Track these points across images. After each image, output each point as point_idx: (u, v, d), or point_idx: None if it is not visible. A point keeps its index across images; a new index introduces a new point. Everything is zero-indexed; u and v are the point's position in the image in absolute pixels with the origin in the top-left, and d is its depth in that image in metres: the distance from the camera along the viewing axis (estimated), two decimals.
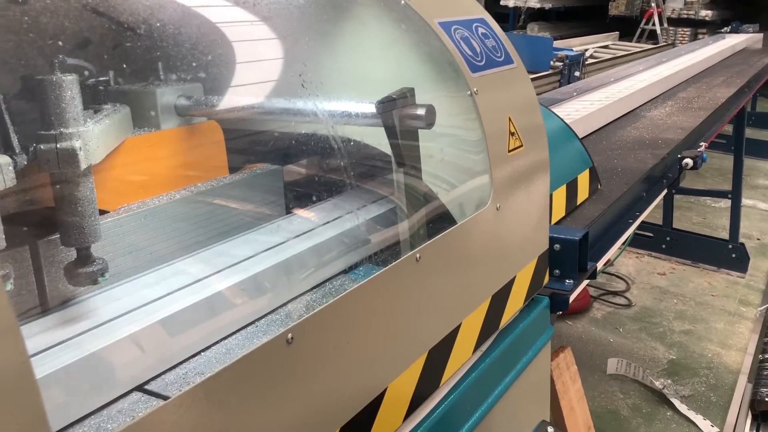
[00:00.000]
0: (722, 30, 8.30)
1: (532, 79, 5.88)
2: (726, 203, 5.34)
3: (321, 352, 0.76)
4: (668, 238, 5.25)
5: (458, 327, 1.05)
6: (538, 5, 12.90)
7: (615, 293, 4.66)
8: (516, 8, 13.41)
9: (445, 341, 1.02)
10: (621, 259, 5.19)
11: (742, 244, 5.02)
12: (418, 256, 0.93)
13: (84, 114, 1.12)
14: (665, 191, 2.59)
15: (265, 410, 0.70)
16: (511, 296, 1.21)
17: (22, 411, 0.47)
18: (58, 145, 1.04)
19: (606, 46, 8.96)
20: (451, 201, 1.14)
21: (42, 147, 1.04)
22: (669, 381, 3.70)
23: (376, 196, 1.19)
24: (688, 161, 2.57)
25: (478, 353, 1.16)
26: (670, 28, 12.11)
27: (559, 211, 1.82)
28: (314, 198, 1.36)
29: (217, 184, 1.48)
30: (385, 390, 0.89)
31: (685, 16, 12.08)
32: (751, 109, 9.13)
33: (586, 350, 4.03)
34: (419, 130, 1.01)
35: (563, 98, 3.35)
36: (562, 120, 2.16)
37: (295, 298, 1.00)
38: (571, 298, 1.48)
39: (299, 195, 1.42)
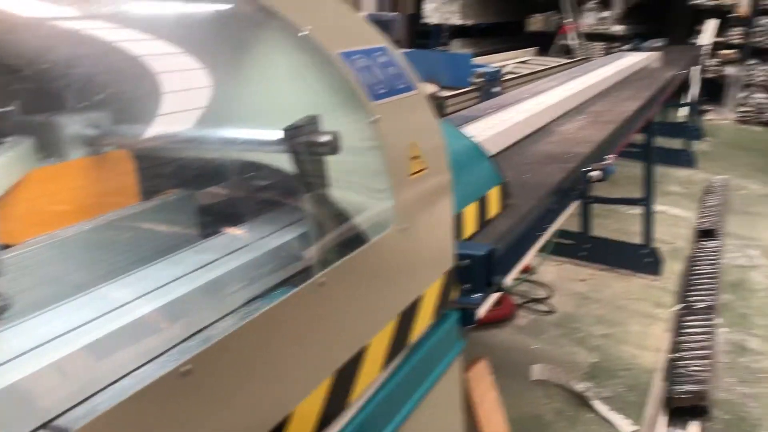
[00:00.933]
0: (623, 48, 8.74)
1: (453, 96, 6.03)
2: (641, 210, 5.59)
3: (220, 383, 0.78)
4: (587, 245, 5.46)
5: (366, 347, 1.09)
6: (459, 22, 13.20)
7: (538, 300, 4.81)
8: (438, 26, 13.68)
9: (352, 362, 1.06)
10: (543, 267, 5.35)
11: (655, 248, 5.27)
12: (322, 280, 0.97)
13: None
14: (575, 203, 2.70)
15: None
16: (419, 313, 1.26)
17: None
18: None
19: (524, 61, 9.24)
20: (356, 224, 1.18)
21: None
22: (590, 384, 3.84)
23: (285, 221, 1.22)
24: (595, 173, 2.70)
25: (388, 370, 1.20)
26: (586, 42, 12.63)
27: (471, 226, 1.88)
28: (224, 225, 1.38)
29: (127, 212, 1.48)
30: (291, 413, 0.92)
31: (599, 31, 12.62)
32: (662, 118, 9.62)
33: (511, 358, 4.14)
34: (325, 157, 1.05)
35: (479, 115, 3.46)
36: (471, 139, 2.24)
37: (198, 332, 1.02)
38: (481, 311, 1.54)
39: (210, 222, 1.43)
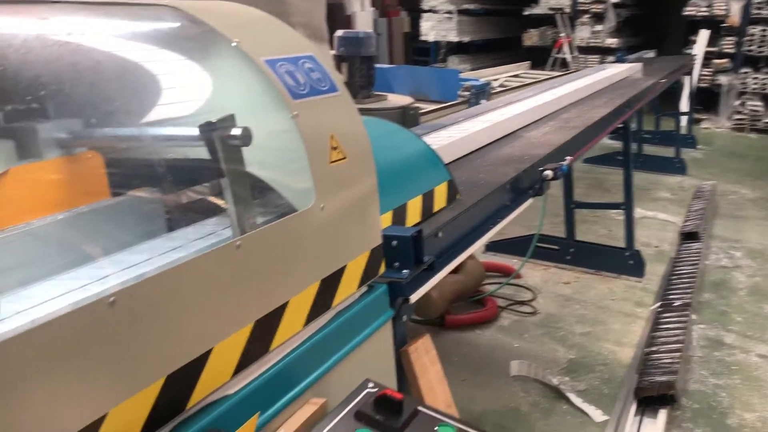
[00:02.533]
0: (607, 59, 8.97)
1: (441, 108, 6.26)
2: None
3: (141, 314, 0.99)
4: (572, 250, 5.63)
5: (286, 304, 1.30)
6: (456, 39, 13.52)
7: (522, 303, 4.98)
8: (437, 42, 14.00)
9: (272, 314, 1.26)
10: (529, 271, 5.53)
11: (638, 251, 5.42)
12: (238, 243, 1.18)
13: None
14: (530, 200, 2.90)
15: (90, 361, 0.92)
16: (342, 281, 1.47)
17: None
18: None
19: (516, 75, 9.48)
20: (276, 201, 1.39)
21: None
22: (566, 378, 4.01)
23: (215, 203, 1.45)
24: (548, 173, 2.90)
25: (313, 328, 1.40)
26: (580, 55, 12.86)
27: (415, 217, 2.09)
28: (184, 214, 1.60)
29: (97, 206, 1.70)
30: (211, 350, 1.13)
31: (593, 44, 12.85)
32: (656, 128, 9.80)
33: (493, 356, 4.31)
34: (245, 148, 1.27)
35: (449, 123, 3.68)
36: (424, 143, 2.45)
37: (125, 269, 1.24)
38: (413, 291, 1.75)
39: (174, 213, 1.66)
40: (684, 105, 10.06)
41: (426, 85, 6.60)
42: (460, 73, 7.06)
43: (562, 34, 12.87)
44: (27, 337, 0.84)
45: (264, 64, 1.36)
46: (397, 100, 3.79)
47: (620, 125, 4.90)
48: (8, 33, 1.42)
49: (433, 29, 13.76)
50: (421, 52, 14.62)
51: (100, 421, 0.94)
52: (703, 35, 11.74)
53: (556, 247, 5.67)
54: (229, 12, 1.48)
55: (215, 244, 1.45)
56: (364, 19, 10.20)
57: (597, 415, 3.64)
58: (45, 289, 1.43)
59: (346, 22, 9.91)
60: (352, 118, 1.54)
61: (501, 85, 8.53)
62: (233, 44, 1.36)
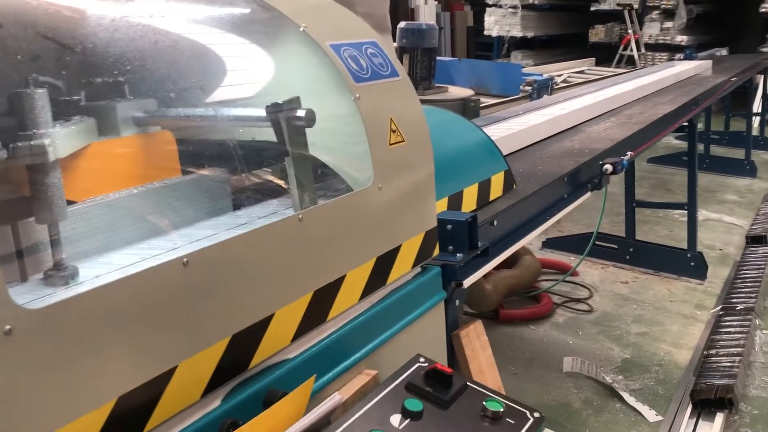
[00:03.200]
0: (676, 57, 8.72)
1: (501, 102, 6.23)
2: None
3: (211, 276, 1.06)
4: (631, 249, 5.53)
5: (343, 277, 1.36)
6: (520, 34, 13.38)
7: (578, 300, 4.93)
8: (500, 38, 13.89)
9: (330, 286, 1.33)
10: (586, 269, 5.47)
11: (700, 253, 5.30)
12: (300, 216, 1.24)
13: (54, 121, 1.44)
14: (588, 194, 2.89)
15: (164, 316, 1.00)
16: (397, 260, 1.52)
17: None
18: (31, 143, 1.35)
19: (581, 71, 9.33)
20: (338, 180, 1.46)
21: (19, 144, 1.35)
22: (620, 377, 3.96)
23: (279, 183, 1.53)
24: (608, 167, 2.88)
25: (368, 303, 1.46)
26: (648, 53, 12.54)
27: (470, 204, 2.13)
28: (250, 193, 1.69)
29: (169, 182, 1.80)
30: (273, 314, 1.20)
31: (662, 41, 12.51)
32: (725, 129, 9.50)
33: (546, 351, 4.29)
34: (308, 128, 1.34)
35: (509, 116, 3.69)
36: (483, 132, 2.48)
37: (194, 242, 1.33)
38: (466, 276, 1.80)
39: (240, 192, 1.74)
40: (757, 105, 9.70)
41: (487, 78, 6.59)
42: (523, 67, 7.02)
43: (630, 31, 12.57)
44: (111, 288, 0.92)
45: (329, 48, 1.43)
46: (458, 92, 3.82)
47: (685, 123, 4.80)
48: (96, 13, 1.52)
49: (496, 24, 13.66)
50: (484, 47, 14.54)
51: (171, 372, 1.01)
52: None
53: (614, 246, 5.58)
54: None
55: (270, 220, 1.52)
56: (427, 12, 10.20)
57: (651, 415, 3.60)
58: (120, 257, 1.53)
59: (410, 15, 9.94)
60: (412, 104, 1.59)
61: (564, 81, 8.42)
62: (301, 29, 1.43)
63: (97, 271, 1.43)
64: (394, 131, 1.48)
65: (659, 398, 3.77)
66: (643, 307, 4.87)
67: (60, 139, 1.43)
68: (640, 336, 4.47)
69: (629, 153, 3.20)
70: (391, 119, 1.49)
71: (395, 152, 1.49)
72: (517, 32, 13.41)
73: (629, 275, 5.44)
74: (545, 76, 7.30)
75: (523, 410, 1.33)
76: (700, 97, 4.99)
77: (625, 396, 3.73)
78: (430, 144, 1.62)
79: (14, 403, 0.81)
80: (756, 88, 9.42)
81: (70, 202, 1.58)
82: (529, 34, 13.62)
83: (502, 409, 1.29)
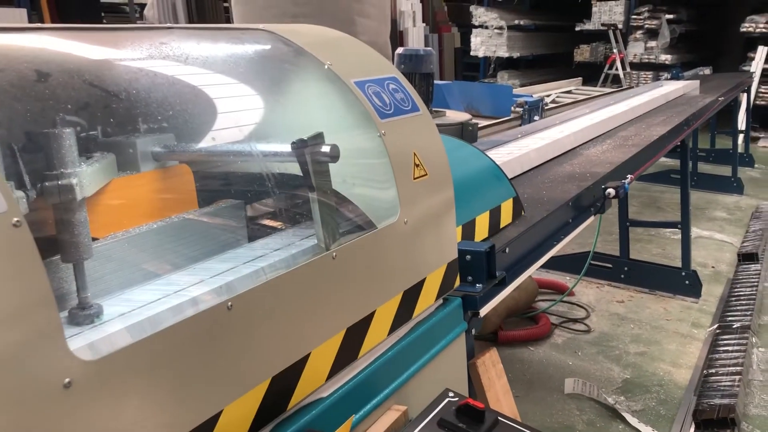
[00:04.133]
0: (662, 76, 8.87)
1: (494, 124, 6.28)
2: None
3: (254, 318, 1.07)
4: (626, 268, 5.58)
5: (373, 313, 1.37)
6: (506, 54, 13.54)
7: (575, 320, 4.95)
8: (486, 58, 14.04)
9: (361, 322, 1.33)
10: (582, 289, 5.50)
11: (694, 271, 5.35)
12: (334, 254, 1.25)
13: (79, 159, 1.44)
14: (592, 218, 2.92)
15: (210, 360, 1.00)
16: (422, 293, 1.53)
17: None
18: (59, 182, 1.35)
19: (569, 91, 9.44)
20: (365, 215, 1.46)
21: (47, 184, 1.35)
22: (622, 398, 3.98)
23: (306, 217, 1.53)
24: (611, 191, 2.92)
25: (395, 337, 1.46)
26: (633, 72, 12.73)
27: (483, 233, 2.14)
28: (264, 225, 1.69)
29: (188, 216, 1.80)
30: (310, 354, 1.20)
31: (646, 60, 12.71)
32: (711, 146, 9.64)
33: (547, 373, 4.30)
34: (332, 164, 1.35)
35: (509, 140, 3.72)
36: (490, 158, 2.50)
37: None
38: (484, 305, 1.80)
39: (256, 224, 1.74)
40: (741, 123, 9.86)
41: (479, 100, 6.65)
42: (513, 89, 7.09)
43: (615, 50, 12.76)
44: (160, 336, 0.92)
45: (354, 86, 1.44)
46: (455, 116, 3.85)
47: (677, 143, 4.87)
48: (113, 49, 1.53)
49: (483, 45, 13.82)
50: (470, 68, 14.68)
51: (216, 417, 1.01)
52: (762, 51, 11.51)
53: (609, 265, 5.63)
54: (318, 35, 1.56)
55: (297, 254, 1.53)
56: (416, 34, 10.29)
57: None
58: (142, 293, 1.52)
59: (398, 38, 10.03)
60: (433, 137, 1.61)
61: (553, 101, 8.50)
62: (326, 66, 1.44)
63: (120, 309, 1.42)
64: (417, 165, 1.50)
65: (661, 419, 3.79)
66: (641, 327, 4.91)
67: (86, 177, 1.43)
68: (639, 356, 4.50)
69: (629, 176, 3.24)
70: (415, 153, 1.50)
71: (419, 186, 1.50)
72: (503, 52, 13.56)
73: (625, 294, 5.48)
74: (535, 97, 7.38)
75: None
76: (691, 118, 5.07)
77: (628, 417, 3.74)
78: (450, 176, 1.63)
79: None
80: (739, 106, 9.58)
81: (92, 239, 1.57)
82: (515, 54, 13.78)
83: None
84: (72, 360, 0.81)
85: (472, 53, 14.18)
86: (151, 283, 1.58)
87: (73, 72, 1.50)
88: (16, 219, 0.79)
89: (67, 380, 0.79)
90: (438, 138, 1.62)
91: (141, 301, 1.45)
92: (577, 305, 5.21)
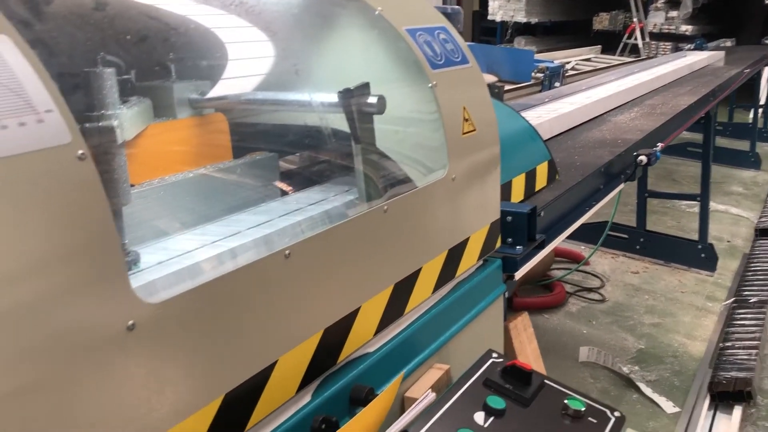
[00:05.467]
0: (686, 47, 8.69)
1: (515, 89, 6.19)
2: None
3: (310, 268, 1.03)
4: (642, 240, 5.53)
5: (420, 270, 1.33)
6: (524, 20, 13.28)
7: (590, 290, 4.93)
8: (503, 23, 13.79)
9: (408, 278, 1.29)
10: (597, 259, 5.46)
11: (711, 245, 5.30)
12: (385, 208, 1.21)
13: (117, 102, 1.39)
14: (622, 185, 2.87)
15: (266, 308, 0.97)
16: (465, 252, 1.49)
17: None
18: (100, 124, 1.30)
19: (588, 59, 9.28)
20: (414, 170, 1.42)
21: (87, 125, 1.30)
22: (636, 367, 3.97)
23: (345, 171, 1.48)
24: (643, 158, 2.86)
25: (438, 296, 1.43)
26: (652, 42, 12.49)
27: (518, 195, 2.09)
28: (305, 177, 1.64)
29: (222, 166, 1.75)
30: (360, 308, 1.16)
31: (666, 30, 12.46)
32: (729, 120, 9.50)
33: (561, 341, 4.29)
34: (380, 115, 1.30)
35: (536, 103, 3.65)
36: (526, 120, 2.44)
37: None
38: (522, 267, 1.76)
39: (292, 175, 1.70)
40: (763, 97, 9.69)
41: (499, 64, 6.53)
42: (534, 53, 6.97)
43: (635, 19, 12.51)
44: (220, 282, 0.89)
45: (405, 33, 1.38)
46: None
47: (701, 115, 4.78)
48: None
49: (501, 9, 13.55)
50: (487, 32, 14.44)
51: (272, 367, 0.98)
52: None
53: (625, 236, 5.58)
54: None
55: (341, 207, 1.48)
56: None
57: (668, 406, 3.60)
58: (178, 242, 1.48)
59: None
60: (482, 91, 1.55)
61: (573, 68, 8.36)
62: (376, 12, 1.38)
63: (157, 257, 1.39)
64: (466, 120, 1.45)
65: (675, 390, 3.78)
66: (655, 298, 4.88)
67: (125, 120, 1.39)
68: (654, 327, 4.48)
69: (659, 144, 3.18)
70: (464, 108, 1.45)
71: (468, 142, 1.45)
72: (521, 17, 13.30)
73: (640, 265, 5.44)
74: (556, 63, 7.25)
75: (604, 409, 1.31)
76: (717, 89, 4.97)
77: (642, 387, 3.73)
78: (497, 133, 1.58)
79: (132, 398, 0.77)
80: (760, 80, 9.41)
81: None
82: (533, 20, 13.52)
83: (583, 408, 1.27)
84: (135, 302, 0.77)
85: (489, 17, 13.92)
86: (188, 232, 1.54)
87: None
88: (80, 151, 0.75)
89: (130, 322, 0.76)
90: (487, 93, 1.57)
91: (178, 250, 1.42)
92: (592, 275, 5.18)
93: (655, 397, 3.66)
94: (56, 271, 0.69)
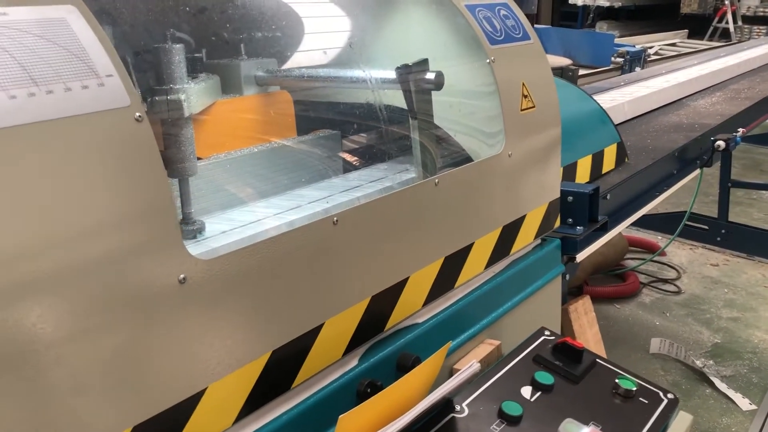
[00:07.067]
0: None
1: (592, 73, 6.03)
2: None
3: (358, 236, 1.06)
4: (723, 231, 5.28)
5: (472, 245, 1.34)
6: (607, 4, 12.87)
7: (665, 281, 4.78)
8: (585, 7, 13.41)
9: (459, 253, 1.31)
10: (675, 250, 5.28)
11: None
12: (436, 181, 1.22)
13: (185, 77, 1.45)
14: (698, 170, 2.77)
15: (314, 272, 1.00)
16: (521, 230, 1.48)
17: None
18: (168, 97, 1.37)
19: (673, 44, 8.93)
20: (470, 145, 1.42)
21: (156, 98, 1.37)
22: (711, 362, 3.83)
23: (404, 151, 1.50)
24: (720, 143, 2.75)
25: (491, 272, 1.43)
26: (745, 26, 11.87)
27: (584, 176, 2.06)
28: (367, 154, 1.68)
29: (286, 143, 1.80)
30: (408, 278, 1.18)
31: (761, 13, 11.81)
32: None
33: (632, 331, 4.18)
34: (438, 91, 1.31)
35: (611, 87, 3.55)
36: (596, 102, 2.39)
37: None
38: (582, 250, 1.74)
39: (354, 152, 1.73)
40: None
41: (577, 47, 6.37)
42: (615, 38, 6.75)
43: (727, 1, 11.91)
44: (270, 243, 0.93)
45: (465, 9, 1.38)
46: (554, 60, 3.70)
47: None
48: None
49: None
50: (567, 17, 14.07)
51: (319, 328, 1.02)
52: None
53: (705, 227, 5.35)
54: None
55: (396, 184, 1.50)
56: None
57: (744, 403, 3.46)
58: (242, 214, 1.54)
59: None
60: (543, 68, 1.53)
61: (656, 53, 8.06)
62: None
63: (222, 227, 1.45)
64: (525, 97, 1.44)
65: (753, 387, 3.62)
66: (735, 291, 4.68)
67: (193, 94, 1.45)
68: (732, 321, 4.30)
69: (741, 129, 3.04)
70: (524, 84, 1.44)
71: (526, 118, 1.44)
72: (603, 1, 12.90)
73: (720, 258, 5.23)
74: (638, 47, 7.01)
75: (657, 391, 1.29)
76: None
77: (717, 382, 3.60)
78: (558, 111, 1.56)
79: (183, 347, 0.82)
80: None
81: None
82: (617, 4, 13.08)
83: (634, 388, 1.25)
84: (187, 257, 0.82)
85: (570, 1, 13.57)
86: (251, 205, 1.60)
87: None
88: (138, 114, 0.80)
89: (182, 276, 0.81)
90: (548, 70, 1.55)
91: (242, 221, 1.48)
92: (668, 266, 5.01)
93: (730, 393, 3.53)
94: (114, 221, 0.75)
